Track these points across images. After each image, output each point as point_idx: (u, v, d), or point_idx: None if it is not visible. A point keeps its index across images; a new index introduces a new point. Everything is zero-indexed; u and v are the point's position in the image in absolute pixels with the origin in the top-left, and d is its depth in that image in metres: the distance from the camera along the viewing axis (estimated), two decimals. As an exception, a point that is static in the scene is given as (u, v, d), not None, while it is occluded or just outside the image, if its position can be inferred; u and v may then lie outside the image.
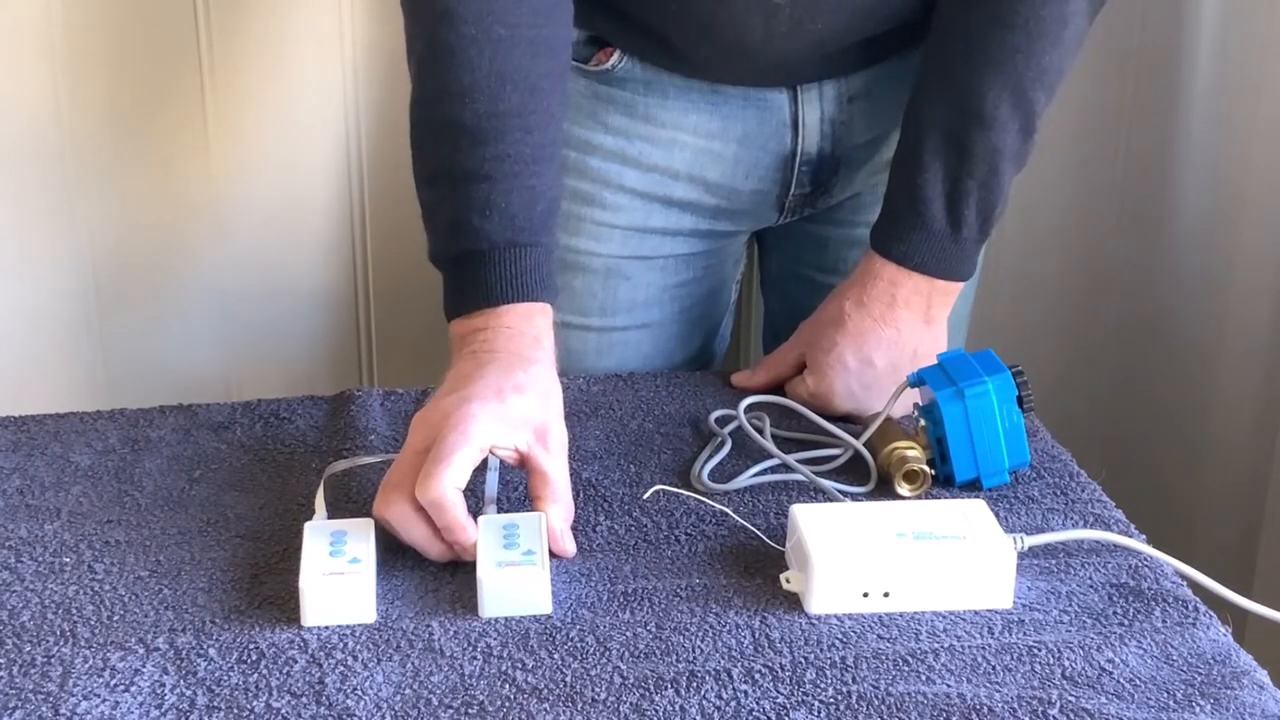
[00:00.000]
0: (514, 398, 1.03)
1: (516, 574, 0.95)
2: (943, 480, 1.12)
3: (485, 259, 1.09)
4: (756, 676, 0.89)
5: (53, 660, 0.91)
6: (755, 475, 1.12)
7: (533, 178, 1.10)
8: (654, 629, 0.94)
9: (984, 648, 0.92)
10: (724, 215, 1.35)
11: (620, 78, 1.30)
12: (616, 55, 1.29)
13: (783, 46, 1.23)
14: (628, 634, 0.94)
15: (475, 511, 1.03)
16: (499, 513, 1.04)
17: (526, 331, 1.08)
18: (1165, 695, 0.88)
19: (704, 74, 1.29)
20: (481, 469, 1.08)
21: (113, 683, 0.88)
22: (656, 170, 1.32)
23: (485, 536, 0.98)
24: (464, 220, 1.10)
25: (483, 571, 0.95)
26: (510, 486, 1.10)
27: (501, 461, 1.07)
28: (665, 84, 1.29)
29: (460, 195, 1.10)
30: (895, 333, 1.21)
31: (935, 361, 1.14)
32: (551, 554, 1.00)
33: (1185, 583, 1.00)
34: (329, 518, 1.03)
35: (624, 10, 1.26)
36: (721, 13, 1.21)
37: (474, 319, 1.09)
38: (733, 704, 0.87)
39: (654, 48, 1.28)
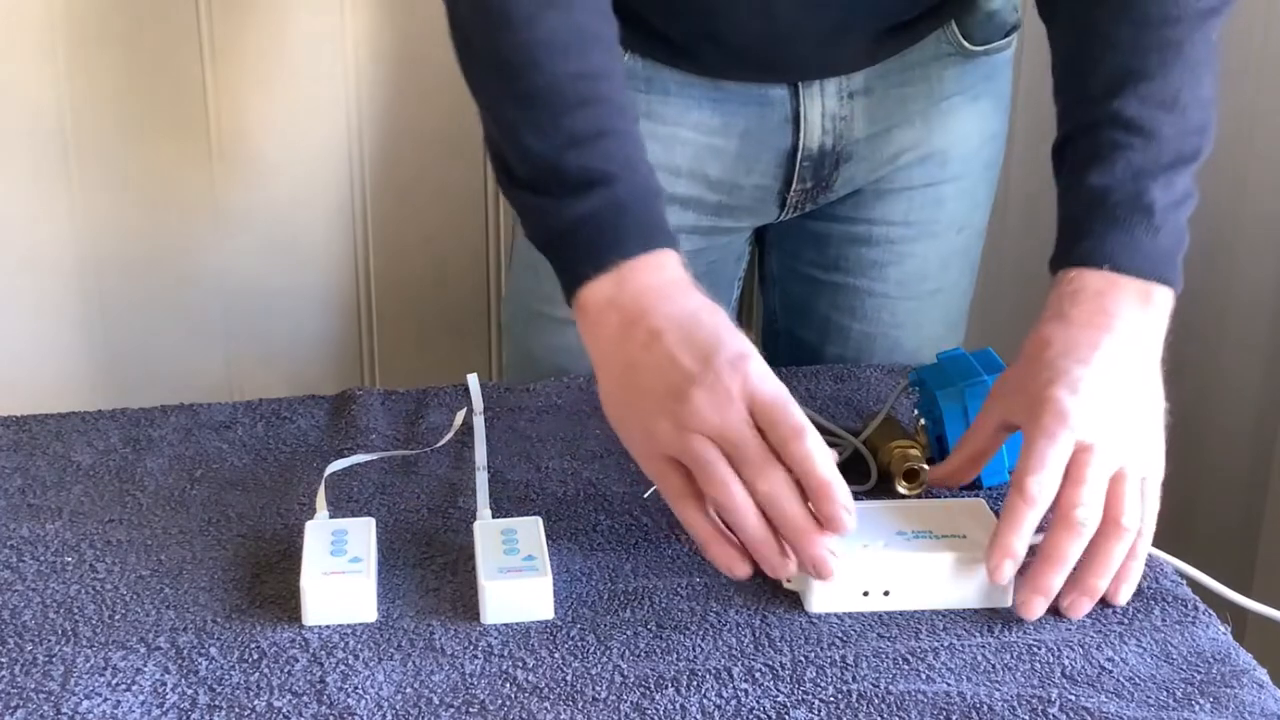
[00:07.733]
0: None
1: (519, 582, 0.95)
2: (943, 479, 1.12)
3: (622, 208, 1.05)
4: (757, 675, 0.89)
5: (54, 659, 0.91)
6: (755, 474, 1.12)
7: (636, 123, 1.08)
8: (654, 628, 0.94)
9: (984, 646, 0.93)
10: (726, 212, 1.35)
11: None
12: None
13: (783, 43, 1.23)
14: (628, 633, 0.94)
15: (470, 519, 1.04)
16: (493, 518, 1.03)
17: (664, 277, 1.04)
18: (1165, 694, 0.89)
19: (705, 70, 1.29)
20: (471, 472, 1.09)
21: (114, 682, 0.89)
22: (658, 167, 1.30)
23: (483, 542, 0.98)
24: (588, 176, 1.05)
25: (484, 579, 0.95)
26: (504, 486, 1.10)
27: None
28: (666, 81, 1.29)
29: (582, 151, 1.04)
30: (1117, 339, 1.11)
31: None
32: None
33: (1185, 581, 1.01)
34: (330, 517, 1.03)
35: (626, 7, 1.26)
36: (722, 9, 1.21)
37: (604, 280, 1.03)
38: (733, 703, 0.87)
39: (655, 44, 1.28)
